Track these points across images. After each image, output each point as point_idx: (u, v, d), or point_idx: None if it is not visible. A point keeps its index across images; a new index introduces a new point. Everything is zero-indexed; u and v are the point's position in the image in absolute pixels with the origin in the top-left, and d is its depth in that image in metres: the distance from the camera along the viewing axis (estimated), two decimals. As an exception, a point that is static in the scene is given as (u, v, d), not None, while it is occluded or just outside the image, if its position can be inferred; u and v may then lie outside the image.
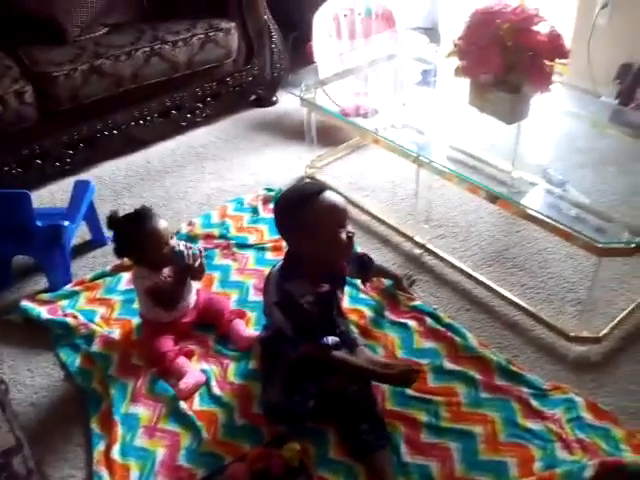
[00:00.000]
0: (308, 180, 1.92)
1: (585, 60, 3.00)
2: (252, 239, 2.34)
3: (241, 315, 1.99)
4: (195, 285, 2.00)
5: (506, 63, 1.93)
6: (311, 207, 1.56)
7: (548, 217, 1.85)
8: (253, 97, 3.28)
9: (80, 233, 2.38)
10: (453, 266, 2.16)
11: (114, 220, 1.84)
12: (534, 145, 2.57)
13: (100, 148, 2.79)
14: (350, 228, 1.62)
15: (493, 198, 2.01)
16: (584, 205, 2.33)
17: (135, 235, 1.82)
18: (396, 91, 3.07)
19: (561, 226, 1.82)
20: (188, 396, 1.76)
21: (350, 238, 1.61)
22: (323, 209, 1.56)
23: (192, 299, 1.97)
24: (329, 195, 1.59)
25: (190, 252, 1.85)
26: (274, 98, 3.33)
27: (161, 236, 1.83)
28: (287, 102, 3.26)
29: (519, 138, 2.43)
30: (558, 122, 2.56)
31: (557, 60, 1.93)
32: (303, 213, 1.56)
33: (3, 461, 1.06)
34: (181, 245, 1.88)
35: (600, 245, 1.72)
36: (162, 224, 1.85)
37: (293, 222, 1.61)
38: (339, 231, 1.58)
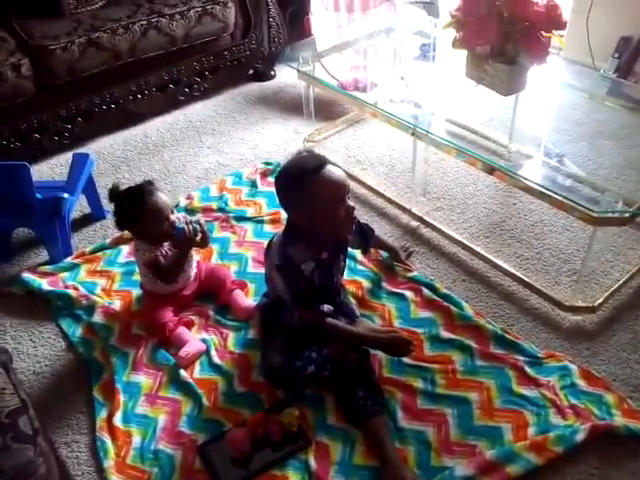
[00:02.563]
0: (306, 153, 1.92)
1: (584, 33, 2.99)
2: (250, 212, 2.35)
3: (242, 286, 2.01)
4: (196, 257, 2.02)
5: (503, 34, 1.93)
6: (312, 183, 1.56)
7: (544, 188, 1.86)
8: (251, 71, 3.27)
9: (79, 207, 2.40)
10: (450, 238, 2.18)
11: (115, 194, 1.85)
12: (531, 118, 2.58)
13: (98, 122, 2.79)
14: (351, 201, 1.63)
15: (490, 169, 2.02)
16: (580, 177, 2.35)
17: (135, 210, 1.82)
18: (394, 65, 3.06)
19: (557, 196, 1.83)
20: (188, 364, 1.79)
21: (351, 212, 1.62)
22: (324, 185, 1.57)
23: (193, 271, 1.99)
24: (330, 171, 1.59)
25: (190, 227, 1.86)
26: (272, 72, 3.32)
27: (161, 212, 1.83)
28: (285, 76, 3.26)
29: (516, 111, 2.43)
30: (555, 95, 2.56)
31: (554, 31, 1.93)
32: (304, 189, 1.57)
33: (9, 421, 1.09)
34: (181, 219, 1.90)
35: (595, 214, 1.74)
36: (162, 199, 1.85)
37: (294, 197, 1.62)
38: (340, 206, 1.59)
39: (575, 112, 2.77)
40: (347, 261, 1.86)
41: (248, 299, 1.98)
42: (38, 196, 2.02)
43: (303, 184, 1.57)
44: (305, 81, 2.60)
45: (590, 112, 2.75)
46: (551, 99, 2.62)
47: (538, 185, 1.88)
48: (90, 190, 2.32)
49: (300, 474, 1.52)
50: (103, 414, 1.68)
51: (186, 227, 1.85)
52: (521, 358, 1.75)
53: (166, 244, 1.90)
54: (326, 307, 1.67)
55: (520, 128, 2.49)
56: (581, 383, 1.68)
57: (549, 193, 1.84)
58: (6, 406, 1.13)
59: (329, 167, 1.59)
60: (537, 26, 1.87)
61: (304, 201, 1.59)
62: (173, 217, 1.87)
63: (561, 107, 2.71)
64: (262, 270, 2.01)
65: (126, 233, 2.23)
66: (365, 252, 2.06)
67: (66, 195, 2.07)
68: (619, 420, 1.57)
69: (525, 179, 1.92)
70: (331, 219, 1.60)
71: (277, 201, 1.70)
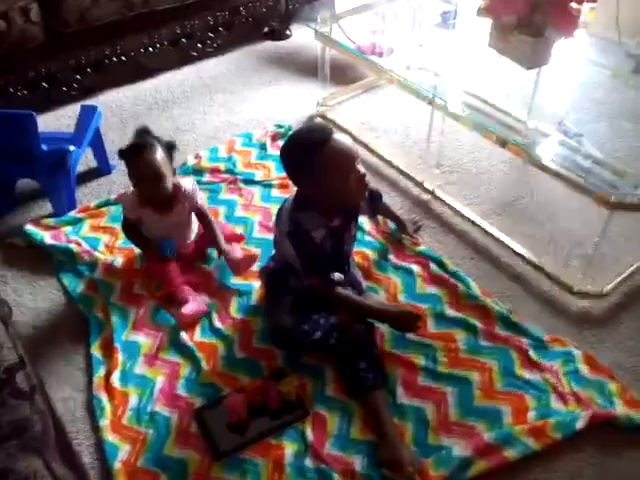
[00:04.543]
0: (314, 122, 1.87)
1: (613, 8, 2.88)
2: (259, 175, 2.31)
3: (239, 239, 2.00)
4: (196, 222, 1.98)
5: (531, 4, 1.85)
6: (321, 154, 1.53)
7: (560, 167, 1.81)
8: (266, 29, 3.18)
9: (85, 160, 2.35)
10: (461, 213, 2.14)
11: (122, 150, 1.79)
12: (552, 94, 2.50)
13: (108, 74, 2.72)
14: (362, 168, 1.59)
15: (505, 144, 1.97)
16: (598, 158, 2.29)
17: (129, 164, 1.77)
18: (414, 31, 2.97)
19: (573, 177, 1.78)
20: (189, 323, 1.77)
21: (362, 179, 1.58)
22: (333, 155, 1.54)
23: (192, 235, 1.96)
24: (337, 142, 1.55)
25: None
26: (288, 31, 3.23)
27: (154, 172, 1.73)
28: (301, 36, 3.17)
29: (537, 86, 2.36)
30: (578, 70, 2.48)
31: (585, 3, 1.85)
32: (313, 161, 1.54)
33: (6, 377, 1.07)
34: (190, 184, 1.85)
35: (613, 199, 1.69)
36: (157, 160, 1.73)
37: (303, 169, 1.59)
38: (351, 174, 1.56)
39: (597, 90, 2.68)
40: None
41: (245, 253, 1.95)
42: (44, 147, 1.98)
43: (312, 155, 1.53)
44: (322, 42, 2.53)
45: (612, 91, 2.67)
46: (573, 75, 2.54)
47: (554, 164, 1.82)
48: (97, 143, 2.27)
49: (296, 444, 1.51)
50: (101, 372, 1.67)
51: (170, 251, 1.84)
52: (526, 341, 1.73)
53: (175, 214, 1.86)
54: (337, 275, 1.65)
55: (540, 104, 2.42)
56: (584, 370, 1.66)
57: (565, 173, 1.79)
58: (4, 361, 1.11)
59: (337, 137, 1.56)
60: (568, -4, 1.79)
61: (314, 173, 1.55)
62: (174, 180, 1.82)
63: (583, 84, 2.63)
64: (268, 235, 1.99)
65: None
66: (372, 216, 2.02)
67: (72, 147, 2.03)
68: (621, 409, 1.55)
69: (541, 159, 1.87)
70: (342, 189, 1.57)
71: (285, 169, 1.66)
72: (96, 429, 1.55)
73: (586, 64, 2.43)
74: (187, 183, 1.88)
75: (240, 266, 1.88)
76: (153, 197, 1.80)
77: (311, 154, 1.53)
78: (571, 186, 1.82)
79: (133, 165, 1.76)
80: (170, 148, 1.82)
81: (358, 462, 1.48)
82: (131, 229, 1.88)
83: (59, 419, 1.35)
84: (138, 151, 1.75)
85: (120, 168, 2.36)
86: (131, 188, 1.84)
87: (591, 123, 2.53)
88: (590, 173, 2.03)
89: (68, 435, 1.39)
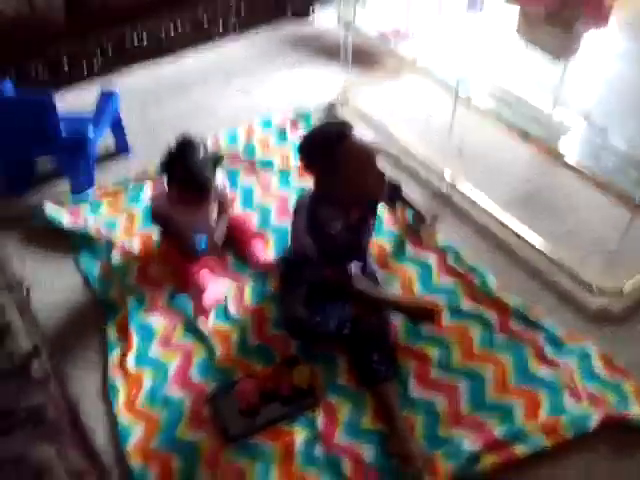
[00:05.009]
0: (333, 119, 1.85)
1: (644, -3, 2.80)
2: (277, 161, 2.30)
3: (262, 237, 1.98)
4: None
5: (562, -7, 1.80)
6: (338, 153, 1.53)
7: (584, 165, 1.77)
8: (289, 10, 3.14)
9: (104, 141, 2.35)
10: (480, 206, 2.11)
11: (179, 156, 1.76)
12: (578, 85, 2.44)
13: (129, 55, 2.72)
14: (380, 165, 1.57)
15: (526, 136, 1.93)
16: (623, 155, 2.23)
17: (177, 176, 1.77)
18: (440, 14, 2.91)
19: (597, 176, 1.75)
20: (207, 312, 1.78)
21: (381, 177, 1.58)
22: (350, 155, 1.53)
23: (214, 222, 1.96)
24: (355, 138, 1.54)
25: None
26: (310, 13, 3.19)
27: (207, 190, 1.80)
28: (324, 18, 3.13)
29: (564, 77, 2.30)
30: (606, 62, 2.42)
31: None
32: (331, 157, 1.54)
33: (22, 365, 1.08)
34: (219, 179, 1.86)
35: (637, 200, 1.65)
36: (209, 178, 1.78)
37: (320, 165, 1.59)
38: (369, 173, 1.55)
39: (625, 83, 2.62)
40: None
41: (266, 251, 1.95)
42: (62, 130, 1.98)
43: (329, 154, 1.54)
44: (345, 28, 2.49)
45: (641, 84, 2.60)
46: (601, 67, 2.48)
47: (577, 161, 1.79)
48: (116, 126, 2.28)
49: (306, 431, 1.52)
50: (116, 354, 1.69)
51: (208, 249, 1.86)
52: (541, 337, 1.71)
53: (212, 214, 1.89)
54: (353, 267, 1.64)
55: (566, 96, 2.36)
56: (600, 368, 1.64)
57: (588, 172, 1.75)
58: (20, 349, 1.12)
59: (355, 134, 1.55)
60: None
61: (331, 171, 1.56)
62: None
63: (611, 77, 2.57)
64: (285, 223, 1.99)
65: (150, 170, 2.20)
66: (391, 206, 2.01)
67: (91, 134, 2.03)
68: (636, 410, 1.53)
69: (565, 154, 1.83)
70: (360, 185, 1.57)
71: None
72: (111, 410, 1.57)
73: (615, 55, 2.36)
74: (218, 178, 1.87)
75: (260, 266, 1.90)
76: (192, 202, 1.82)
77: (330, 149, 1.53)
78: (594, 184, 1.79)
79: (185, 180, 1.76)
80: (216, 162, 1.82)
81: (368, 451, 1.48)
82: (161, 226, 1.91)
83: (74, 405, 1.37)
84: (198, 174, 1.75)
85: (138, 150, 2.36)
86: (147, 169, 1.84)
87: (617, 117, 2.47)
88: (615, 171, 1.98)
89: (82, 420, 1.40)
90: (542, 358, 1.66)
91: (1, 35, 2.29)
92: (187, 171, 1.74)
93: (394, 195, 1.91)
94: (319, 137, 1.60)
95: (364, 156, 1.55)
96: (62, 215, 2.05)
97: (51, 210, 2.06)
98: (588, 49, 2.11)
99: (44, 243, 2.00)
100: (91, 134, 2.03)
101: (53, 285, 1.88)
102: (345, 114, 2.56)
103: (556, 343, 1.70)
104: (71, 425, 1.08)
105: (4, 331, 1.17)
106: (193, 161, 1.74)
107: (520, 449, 1.47)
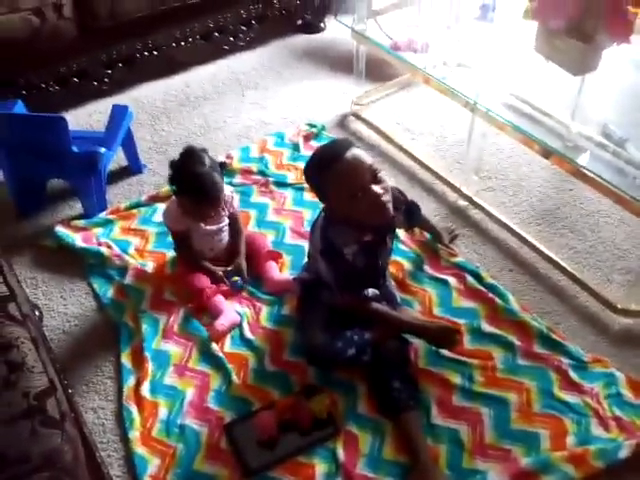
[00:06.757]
0: (338, 139, 1.84)
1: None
2: (291, 178, 2.26)
3: (277, 257, 1.94)
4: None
5: (582, 7, 1.76)
6: (328, 173, 1.49)
7: (604, 179, 1.73)
8: (300, 22, 3.12)
9: (116, 159, 2.32)
10: (500, 222, 2.07)
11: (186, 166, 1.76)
12: (597, 98, 2.39)
13: (139, 69, 2.69)
14: (379, 187, 1.48)
15: (547, 154, 1.89)
16: (644, 167, 2.19)
17: (196, 195, 1.76)
18: (451, 25, 2.87)
19: (617, 190, 1.70)
20: (222, 337, 1.75)
21: (376, 199, 1.47)
22: (340, 175, 1.47)
23: (226, 239, 1.93)
24: (348, 159, 1.46)
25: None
26: (322, 25, 3.16)
27: (219, 202, 1.81)
28: (335, 30, 3.09)
29: (582, 89, 2.26)
30: (628, 75, 2.37)
31: (642, 6, 1.75)
32: (323, 180, 1.51)
33: (37, 404, 1.04)
34: (227, 191, 1.85)
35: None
36: (222, 190, 1.79)
37: (317, 188, 1.57)
38: (357, 195, 1.46)
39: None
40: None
41: (282, 272, 1.91)
42: (74, 149, 1.95)
43: (322, 175, 1.51)
44: (357, 40, 2.45)
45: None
46: (622, 80, 2.43)
47: (597, 176, 1.74)
48: (128, 143, 2.25)
49: (327, 463, 1.48)
50: (131, 382, 1.65)
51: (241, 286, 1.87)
52: (565, 360, 1.66)
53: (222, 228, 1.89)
54: (371, 291, 1.61)
55: (584, 108, 2.32)
56: (627, 393, 1.59)
57: (608, 185, 1.71)
58: (34, 386, 1.08)
59: (348, 155, 1.46)
60: (626, -1, 1.68)
61: (326, 191, 1.54)
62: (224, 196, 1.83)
63: (630, 88, 2.52)
64: (300, 241, 1.96)
65: (163, 190, 2.17)
66: (408, 229, 1.97)
67: (103, 150, 2.00)
68: (667, 438, 1.49)
69: (584, 168, 1.79)
70: (351, 208, 1.49)
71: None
72: (126, 440, 1.54)
73: (636, 68, 2.31)
74: (226, 189, 1.85)
75: (275, 288, 1.86)
76: (203, 215, 1.82)
77: (322, 171, 1.50)
78: (614, 198, 1.75)
79: (194, 187, 1.75)
80: (222, 167, 1.82)
81: (390, 484, 1.44)
82: (182, 244, 1.88)
83: (90, 443, 1.33)
84: (201, 178, 1.73)
85: (150, 167, 2.34)
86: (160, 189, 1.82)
87: (637, 128, 2.42)
88: (635, 184, 1.93)
89: (101, 464, 1.37)
90: (567, 383, 1.61)
91: (12, 52, 2.26)
92: (195, 177, 1.72)
93: (412, 218, 1.86)
94: (319, 155, 1.56)
95: (352, 176, 1.46)
96: (74, 235, 2.02)
97: (63, 231, 2.04)
98: (608, 61, 2.06)
99: (56, 265, 1.97)
100: (103, 150, 2.00)
101: (67, 309, 1.85)
102: (358, 127, 2.52)
103: (581, 367, 1.65)
104: (88, 464, 1.05)
105: (18, 369, 1.13)
106: (199, 167, 1.73)
107: (548, 481, 1.42)
